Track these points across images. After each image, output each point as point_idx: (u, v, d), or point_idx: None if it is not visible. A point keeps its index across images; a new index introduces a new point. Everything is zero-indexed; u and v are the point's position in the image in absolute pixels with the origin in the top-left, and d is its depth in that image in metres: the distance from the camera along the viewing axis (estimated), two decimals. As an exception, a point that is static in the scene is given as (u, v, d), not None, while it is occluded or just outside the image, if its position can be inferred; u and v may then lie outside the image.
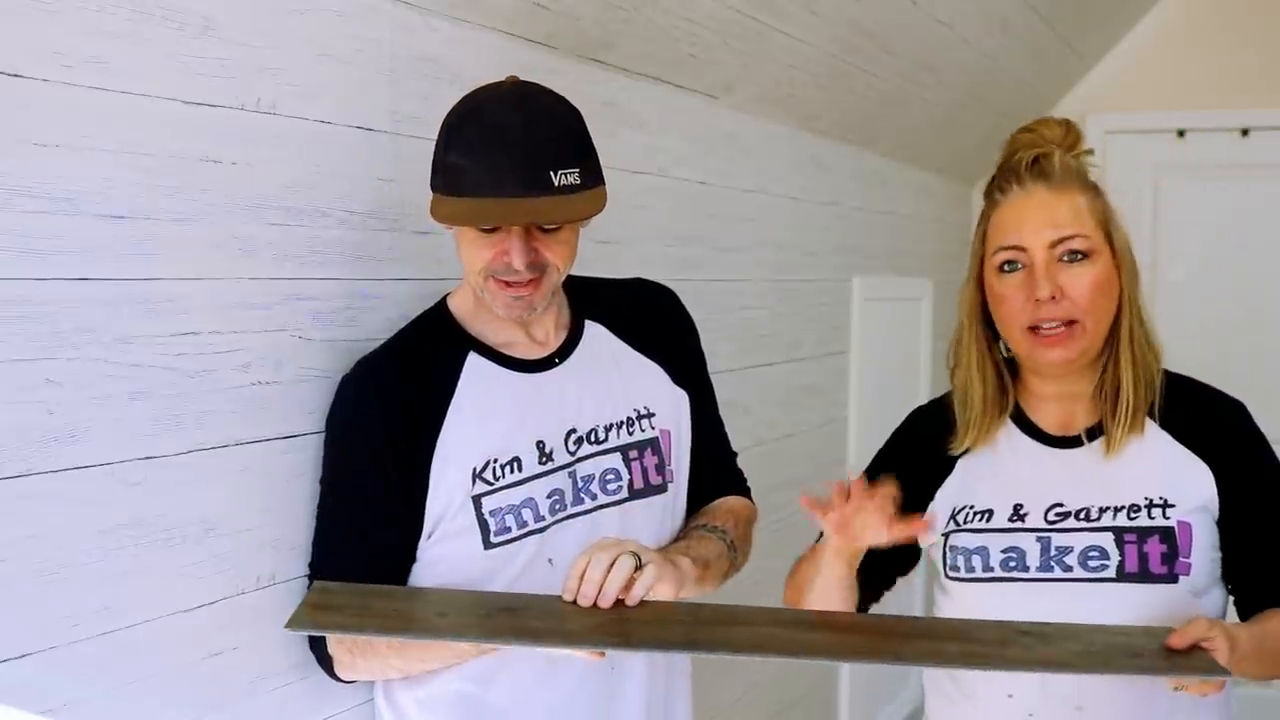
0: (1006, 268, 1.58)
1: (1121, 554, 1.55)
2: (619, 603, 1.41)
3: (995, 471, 1.65)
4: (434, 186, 1.56)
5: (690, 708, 1.77)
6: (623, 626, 1.39)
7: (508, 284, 1.53)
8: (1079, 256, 1.55)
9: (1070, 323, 1.55)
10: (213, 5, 1.46)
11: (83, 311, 1.33)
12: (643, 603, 1.42)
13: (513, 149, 1.47)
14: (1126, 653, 1.42)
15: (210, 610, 1.50)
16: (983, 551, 1.61)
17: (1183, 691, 1.45)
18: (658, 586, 1.44)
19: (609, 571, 1.41)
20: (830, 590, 1.57)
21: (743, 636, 1.43)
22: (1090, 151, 1.65)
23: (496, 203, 1.47)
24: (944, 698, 1.71)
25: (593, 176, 1.52)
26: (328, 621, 1.45)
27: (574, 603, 1.41)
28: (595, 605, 1.40)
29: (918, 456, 1.71)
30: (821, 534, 1.81)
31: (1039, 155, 1.60)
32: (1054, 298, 1.54)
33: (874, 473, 1.78)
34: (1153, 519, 1.56)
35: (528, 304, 1.55)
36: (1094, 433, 1.62)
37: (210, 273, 1.48)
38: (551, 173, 1.47)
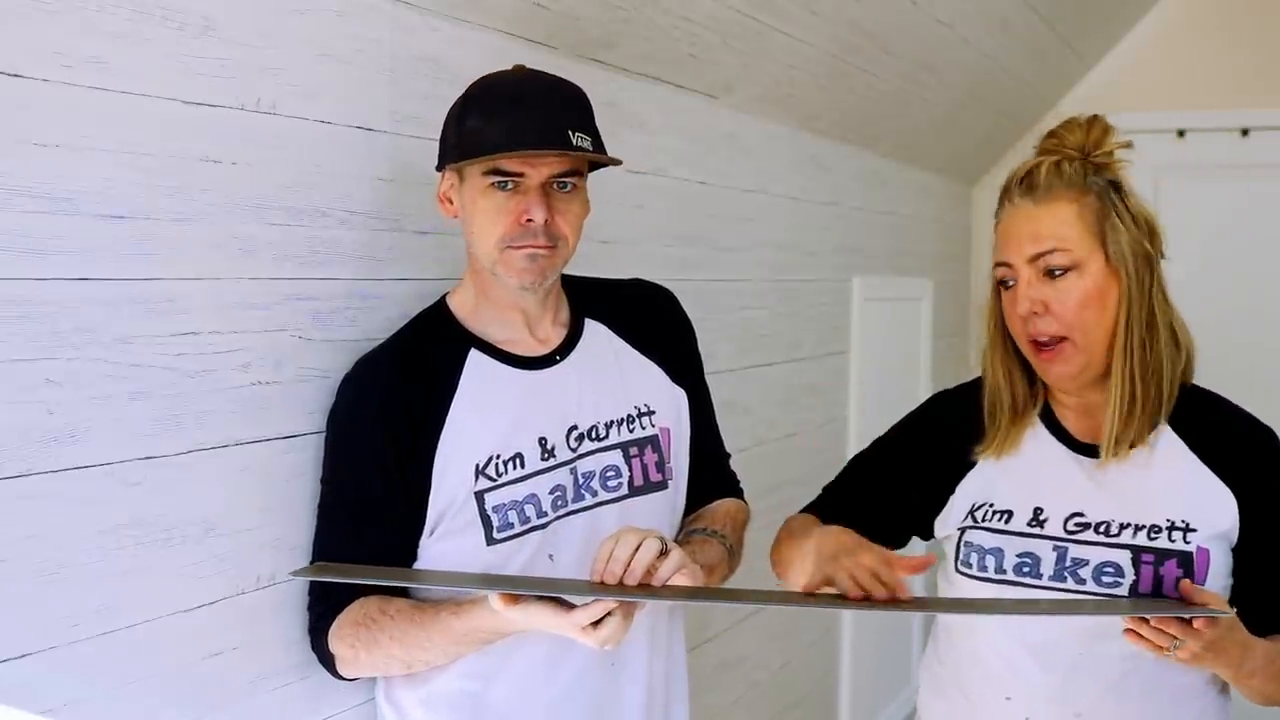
0: (1003, 285, 1.60)
1: (1137, 573, 1.54)
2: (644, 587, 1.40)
3: (1019, 472, 1.64)
4: (445, 164, 1.60)
5: (687, 706, 1.77)
6: (620, 591, 1.39)
7: (524, 249, 1.55)
8: (1060, 272, 1.54)
9: (1060, 339, 1.55)
10: (213, 5, 1.46)
11: (83, 311, 1.33)
12: (665, 586, 1.42)
13: (532, 109, 1.54)
14: (1128, 605, 1.50)
15: (210, 610, 1.50)
16: (998, 552, 1.60)
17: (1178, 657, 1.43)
18: (677, 577, 1.42)
19: (636, 551, 1.40)
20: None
21: (743, 595, 1.49)
22: (1128, 144, 1.62)
23: (513, 154, 1.52)
24: (940, 697, 1.71)
25: (602, 149, 1.58)
26: (331, 573, 1.53)
27: (601, 583, 1.40)
28: (621, 583, 1.39)
29: (941, 446, 1.70)
30: (820, 496, 1.81)
31: (1031, 169, 1.60)
32: (1036, 313, 1.54)
33: (889, 448, 1.77)
34: (1173, 542, 1.54)
35: (541, 269, 1.57)
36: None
37: (210, 273, 1.48)
38: (570, 132, 1.53)
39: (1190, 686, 1.57)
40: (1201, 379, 1.66)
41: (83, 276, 1.33)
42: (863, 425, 3.68)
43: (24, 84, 1.26)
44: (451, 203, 1.62)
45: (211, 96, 1.47)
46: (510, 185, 1.54)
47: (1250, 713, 1.77)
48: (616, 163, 1.60)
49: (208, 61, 1.46)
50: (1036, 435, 1.64)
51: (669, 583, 1.41)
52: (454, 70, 1.87)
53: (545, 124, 1.53)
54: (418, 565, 1.59)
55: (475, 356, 1.61)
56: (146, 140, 1.39)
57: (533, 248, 1.55)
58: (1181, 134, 4.43)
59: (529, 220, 1.54)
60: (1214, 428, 1.60)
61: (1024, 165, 1.62)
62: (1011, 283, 1.58)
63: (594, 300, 1.73)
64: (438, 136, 1.64)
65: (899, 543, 1.75)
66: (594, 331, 1.71)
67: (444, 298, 1.68)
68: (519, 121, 1.53)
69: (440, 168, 1.62)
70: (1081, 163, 1.58)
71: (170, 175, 1.42)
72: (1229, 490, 1.56)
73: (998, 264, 1.60)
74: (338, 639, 1.56)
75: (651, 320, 1.78)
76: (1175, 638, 1.37)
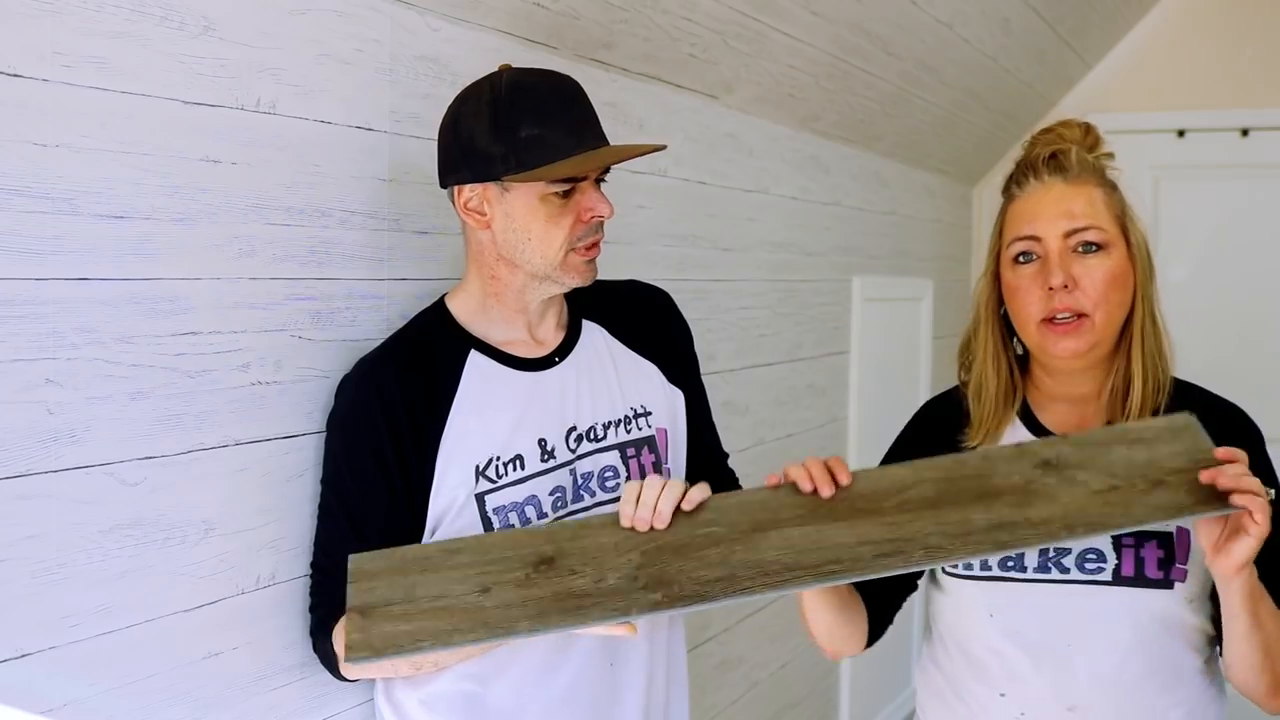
0: (1022, 259, 1.59)
1: (1119, 557, 1.55)
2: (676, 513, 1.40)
3: None
4: (490, 176, 1.54)
5: (688, 705, 1.77)
6: (662, 571, 1.37)
7: (586, 249, 1.59)
8: (1093, 248, 1.56)
9: (1081, 315, 1.55)
10: (213, 5, 1.46)
11: (83, 311, 1.33)
12: (693, 512, 1.41)
13: (576, 108, 1.57)
14: (1147, 481, 1.39)
15: (210, 610, 1.50)
16: None
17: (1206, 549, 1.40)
18: None
19: (662, 492, 1.41)
20: (830, 620, 1.62)
21: (775, 558, 1.38)
22: (1110, 155, 1.66)
23: (594, 154, 1.54)
24: (937, 698, 1.71)
25: None
26: (382, 640, 1.36)
27: (631, 528, 1.39)
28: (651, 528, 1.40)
29: (929, 451, 1.71)
30: None
31: (1056, 151, 1.62)
32: (1066, 286, 1.54)
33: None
34: (1153, 525, 1.55)
35: (597, 265, 1.63)
36: None
37: (210, 273, 1.48)
38: (600, 124, 1.60)
39: (1183, 678, 1.58)
40: (1200, 378, 1.67)
41: (83, 276, 1.33)
42: (863, 425, 3.68)
43: (24, 84, 1.26)
44: (482, 214, 1.58)
45: (211, 96, 1.47)
46: (570, 188, 1.55)
47: (1249, 710, 1.77)
48: (661, 147, 1.63)
49: (208, 61, 1.46)
50: (1016, 432, 1.65)
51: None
52: (454, 70, 1.87)
53: (593, 121, 1.58)
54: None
55: (475, 358, 1.61)
56: (146, 140, 1.39)
57: (594, 249, 1.60)
58: (1181, 134, 4.43)
59: (594, 217, 1.57)
60: (1186, 410, 1.61)
61: (1045, 148, 1.63)
62: (1034, 257, 1.58)
63: (590, 302, 1.73)
64: (437, 136, 1.63)
65: (909, 588, 1.75)
66: (591, 333, 1.71)
67: (442, 299, 1.68)
68: (574, 124, 1.55)
69: (480, 180, 1.55)
70: (1094, 157, 1.63)
71: (170, 175, 1.42)
72: None
73: (1022, 238, 1.59)
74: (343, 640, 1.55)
75: (648, 321, 1.78)
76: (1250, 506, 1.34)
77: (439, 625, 1.37)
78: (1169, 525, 1.54)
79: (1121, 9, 4.25)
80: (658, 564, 1.38)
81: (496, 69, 1.61)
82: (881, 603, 1.70)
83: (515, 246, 1.57)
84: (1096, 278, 1.55)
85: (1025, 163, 1.64)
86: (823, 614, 1.62)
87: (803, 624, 1.69)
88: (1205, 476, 1.37)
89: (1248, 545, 1.36)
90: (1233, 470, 1.37)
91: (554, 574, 1.39)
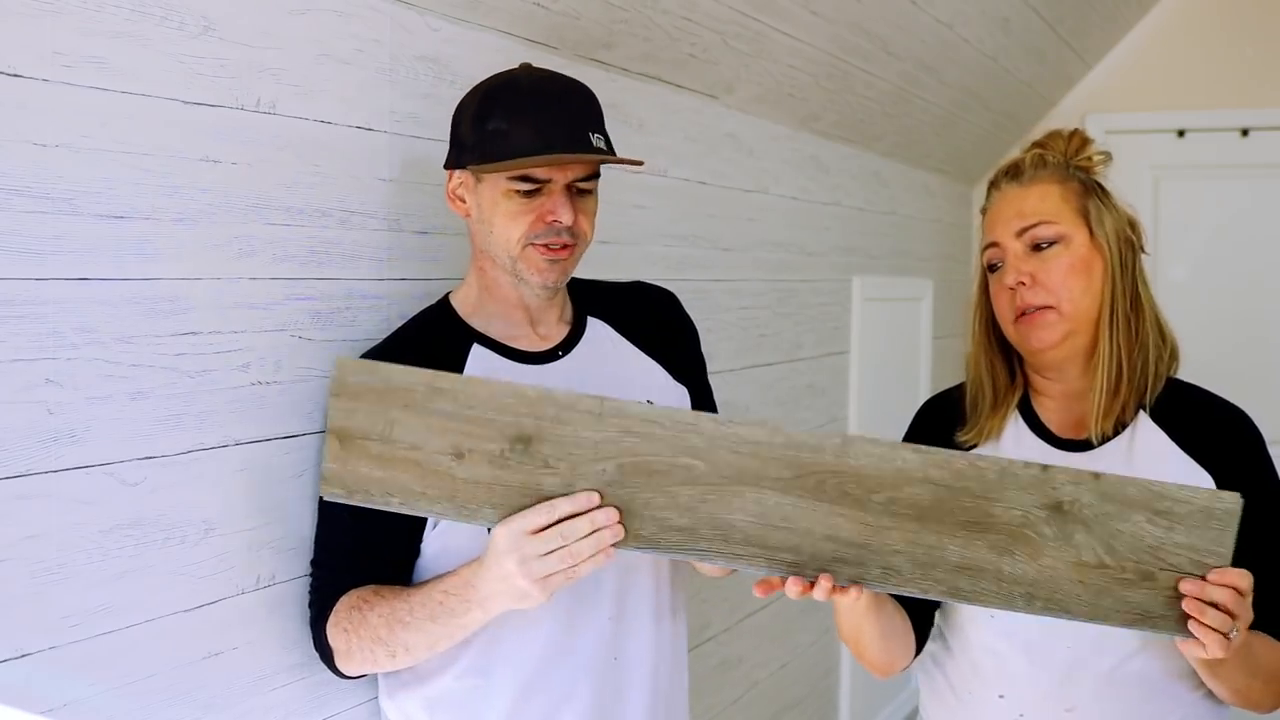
0: (991, 268, 1.64)
1: None
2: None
3: None
4: (460, 163, 1.58)
5: (687, 705, 1.77)
6: (631, 498, 1.34)
7: (547, 248, 1.57)
8: (1047, 244, 1.59)
9: (1045, 308, 1.58)
10: (213, 5, 1.46)
11: (83, 311, 1.33)
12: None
13: (557, 112, 1.55)
14: (1138, 571, 1.35)
15: (210, 610, 1.50)
16: None
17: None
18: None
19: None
20: (872, 635, 1.57)
21: (741, 524, 1.35)
22: (1104, 155, 1.68)
23: (546, 158, 1.52)
24: (938, 699, 1.72)
25: (613, 148, 1.60)
26: (355, 480, 1.35)
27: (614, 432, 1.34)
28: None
29: (931, 441, 1.71)
30: None
31: (1016, 160, 1.67)
32: (1024, 283, 1.58)
33: None
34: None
35: (562, 269, 1.59)
36: (1104, 436, 1.62)
37: (210, 273, 1.48)
38: (590, 134, 1.56)
39: (1182, 682, 1.58)
40: (1200, 379, 1.67)
41: (83, 276, 1.33)
42: (863, 425, 3.68)
43: (24, 84, 1.26)
44: (463, 201, 1.61)
45: (211, 96, 1.47)
46: (535, 189, 1.55)
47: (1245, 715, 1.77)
48: (638, 164, 1.61)
49: (208, 61, 1.46)
50: (1016, 430, 1.67)
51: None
52: (454, 70, 1.87)
53: (571, 128, 1.55)
54: (420, 561, 1.59)
55: (478, 351, 1.62)
56: (146, 140, 1.39)
57: (555, 250, 1.56)
58: (1181, 134, 4.43)
59: (554, 221, 1.56)
60: (1189, 413, 1.62)
61: (1009, 160, 1.69)
62: (999, 264, 1.63)
63: (596, 300, 1.74)
64: (437, 137, 1.64)
65: None
66: (596, 329, 1.71)
67: (446, 296, 1.69)
68: (546, 125, 1.53)
69: (455, 167, 1.60)
70: (1064, 159, 1.65)
71: (170, 175, 1.42)
72: (1206, 474, 1.58)
73: (986, 247, 1.65)
74: (334, 626, 1.56)
75: (653, 320, 1.78)
76: (1232, 615, 1.34)
77: (410, 482, 1.35)
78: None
79: (1121, 9, 4.25)
80: (629, 486, 1.35)
81: (518, 66, 1.63)
82: (921, 608, 1.68)
83: (483, 237, 1.60)
84: (1053, 269, 1.58)
85: (993, 177, 1.69)
86: (874, 631, 1.58)
87: (852, 649, 1.65)
88: (1185, 588, 1.35)
89: (1200, 655, 1.38)
90: (1213, 593, 1.34)
91: (528, 461, 1.35)
